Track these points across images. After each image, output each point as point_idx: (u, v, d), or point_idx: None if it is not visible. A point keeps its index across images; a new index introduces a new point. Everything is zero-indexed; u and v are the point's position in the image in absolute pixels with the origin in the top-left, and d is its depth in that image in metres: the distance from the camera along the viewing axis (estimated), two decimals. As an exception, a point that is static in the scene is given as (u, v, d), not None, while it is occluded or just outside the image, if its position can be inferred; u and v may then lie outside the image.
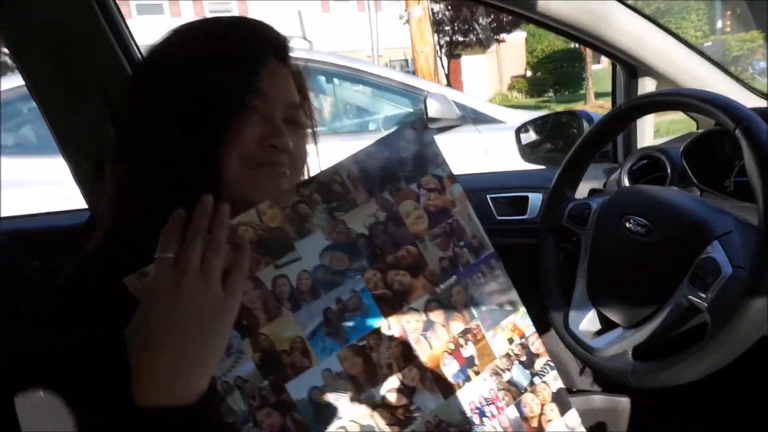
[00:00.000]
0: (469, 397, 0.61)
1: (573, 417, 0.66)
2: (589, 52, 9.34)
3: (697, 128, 0.95)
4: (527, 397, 0.64)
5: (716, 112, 0.60)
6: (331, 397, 0.56)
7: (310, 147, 0.66)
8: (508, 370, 0.63)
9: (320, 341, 0.55)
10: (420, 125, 0.60)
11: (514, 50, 12.57)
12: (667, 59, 0.89)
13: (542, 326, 0.85)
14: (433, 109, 1.81)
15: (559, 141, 1.05)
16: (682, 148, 0.80)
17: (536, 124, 1.09)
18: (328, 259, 0.56)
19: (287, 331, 0.54)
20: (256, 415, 0.53)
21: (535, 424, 0.64)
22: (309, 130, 0.66)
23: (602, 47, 0.88)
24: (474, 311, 0.62)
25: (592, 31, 0.85)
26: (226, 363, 0.52)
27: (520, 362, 0.64)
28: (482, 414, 0.62)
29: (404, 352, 0.58)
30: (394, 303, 0.58)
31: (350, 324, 0.56)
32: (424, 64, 6.50)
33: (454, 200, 0.61)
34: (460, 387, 0.61)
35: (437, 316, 0.60)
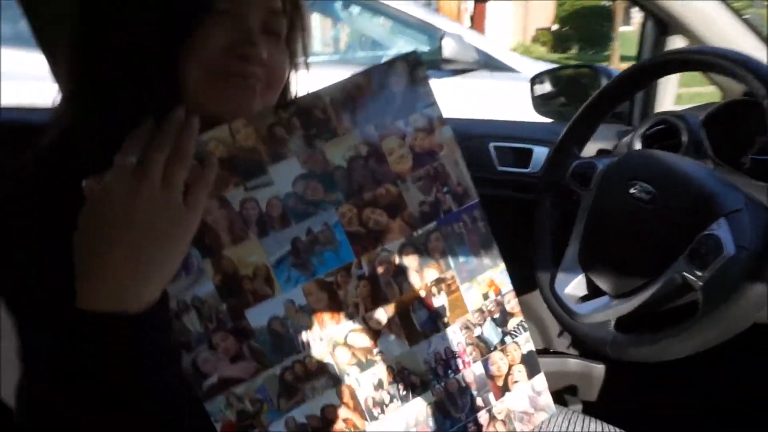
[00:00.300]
0: (435, 347, 0.59)
1: (540, 381, 0.64)
2: (619, 12, 8.76)
3: (723, 99, 0.86)
4: (496, 356, 0.62)
5: (748, 76, 0.56)
6: (291, 330, 0.54)
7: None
8: (480, 325, 0.61)
9: (285, 271, 0.53)
10: (413, 59, 0.56)
11: (542, 1, 11.84)
12: (704, 18, 0.80)
13: (527, 285, 0.83)
14: (449, 49, 1.72)
15: (574, 95, 0.98)
16: (702, 117, 0.75)
17: (553, 75, 1.03)
18: (301, 188, 0.53)
19: (251, 257, 0.52)
20: (212, 337, 0.52)
21: (500, 383, 0.62)
22: (301, 58, 0.62)
23: None
24: (451, 261, 0.59)
25: None
26: (184, 281, 0.50)
27: (493, 319, 0.62)
28: (447, 367, 0.60)
29: (373, 294, 0.56)
30: (367, 242, 0.56)
31: (319, 258, 0.54)
32: (446, 4, 6.16)
33: (442, 143, 0.58)
34: (427, 336, 0.59)
35: (411, 261, 0.58)
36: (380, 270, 0.56)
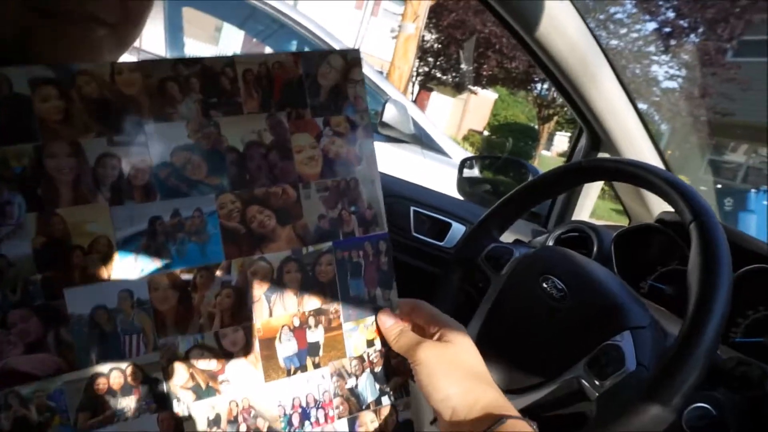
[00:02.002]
0: (296, 390, 0.50)
1: (410, 458, 0.55)
2: (543, 136, 9.75)
3: (629, 224, 0.92)
4: (367, 416, 0.53)
5: (678, 199, 0.56)
6: (119, 327, 0.43)
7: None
8: (356, 376, 0.52)
9: (132, 253, 0.43)
10: (352, 58, 0.50)
11: (481, 106, 12.77)
12: (633, 144, 0.86)
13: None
14: (390, 115, 1.75)
15: (500, 185, 1.01)
16: (614, 234, 0.80)
17: (483, 161, 1.06)
18: (181, 160, 0.44)
19: (93, 225, 0.42)
20: (8, 313, 0.40)
21: (364, 450, 0.53)
22: None
23: (578, 102, 0.84)
24: (339, 292, 0.51)
25: (577, 81, 0.81)
26: (-9, 231, 0.39)
27: (373, 372, 0.53)
28: (305, 417, 0.50)
29: (235, 308, 0.47)
30: (245, 244, 0.47)
31: (180, 248, 0.45)
32: (397, 81, 6.48)
33: (361, 156, 0.51)
34: (289, 374, 0.49)
35: (292, 280, 0.49)
36: (252, 281, 0.47)
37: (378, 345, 0.53)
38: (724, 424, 0.48)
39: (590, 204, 0.97)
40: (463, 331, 0.52)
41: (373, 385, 0.53)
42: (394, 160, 1.78)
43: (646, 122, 0.86)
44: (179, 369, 0.45)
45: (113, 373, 0.43)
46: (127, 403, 0.44)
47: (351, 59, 0.50)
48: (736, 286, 0.56)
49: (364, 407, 0.52)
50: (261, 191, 0.47)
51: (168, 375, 0.45)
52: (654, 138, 0.87)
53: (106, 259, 0.42)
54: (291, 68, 0.48)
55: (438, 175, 1.78)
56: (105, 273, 0.42)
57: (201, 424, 0.46)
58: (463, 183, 1.06)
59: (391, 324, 0.52)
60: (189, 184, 0.45)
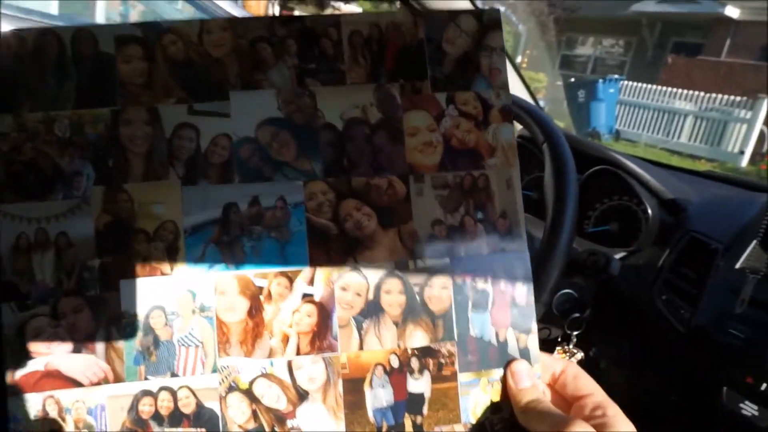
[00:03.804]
0: (388, 458, 0.36)
1: None
2: None
3: None
4: None
5: (531, 122, 0.60)
6: (175, 336, 0.35)
7: None
8: (472, 452, 0.37)
9: (200, 245, 0.35)
10: (490, 19, 0.38)
11: None
12: None
13: None
14: None
15: None
16: None
17: None
18: (267, 137, 0.36)
19: (160, 207, 0.35)
20: (60, 301, 0.34)
21: None
22: None
23: None
24: (455, 328, 0.37)
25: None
26: (55, 204, 0.34)
27: (498, 452, 0.37)
28: (397, 499, 0.36)
29: (316, 331, 0.36)
30: (335, 248, 0.36)
31: (255, 245, 0.36)
32: (254, 4, 5.88)
33: (495, 146, 0.38)
34: (379, 433, 0.36)
35: (393, 304, 0.36)
36: (340, 299, 0.36)
37: (506, 412, 0.37)
38: (583, 304, 0.57)
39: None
40: (626, 420, 0.34)
41: (496, 471, 0.37)
42: None
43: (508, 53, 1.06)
44: (240, 402, 0.35)
45: (162, 394, 0.34)
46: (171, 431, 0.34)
47: (488, 21, 0.38)
48: (584, 186, 0.72)
49: None
50: (361, 182, 0.36)
51: (226, 407, 0.35)
52: (512, 60, 0.95)
53: (171, 249, 0.35)
54: (409, 31, 0.38)
55: None
56: (168, 266, 0.35)
57: None
58: None
59: (528, 386, 0.36)
60: (274, 166, 0.36)
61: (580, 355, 0.67)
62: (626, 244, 0.78)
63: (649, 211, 0.75)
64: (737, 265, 0.59)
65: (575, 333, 0.64)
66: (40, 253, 0.34)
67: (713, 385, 0.58)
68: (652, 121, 7.21)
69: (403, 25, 0.38)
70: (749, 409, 0.53)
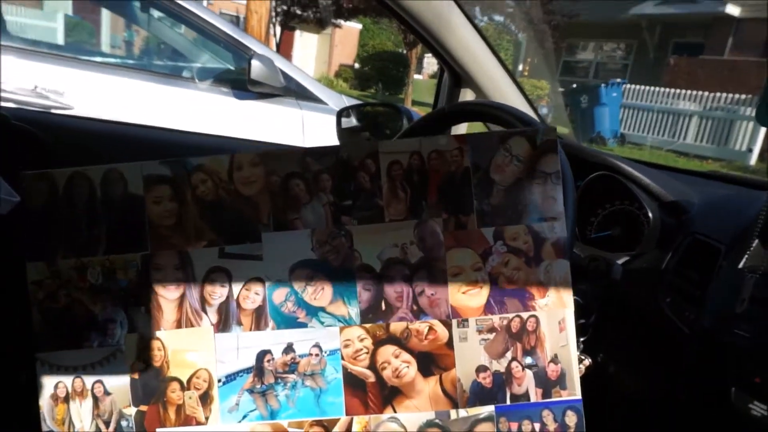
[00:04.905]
0: None
1: None
2: (413, 60, 9.60)
3: None
4: None
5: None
6: (212, 485, 0.34)
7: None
8: None
9: (234, 394, 0.34)
10: (545, 141, 0.34)
11: (347, 39, 12.72)
12: (490, 77, 0.93)
13: None
14: (257, 71, 1.60)
15: (378, 131, 1.05)
16: None
17: (359, 110, 1.09)
18: (302, 281, 0.34)
19: (194, 354, 0.34)
20: (99, 448, 0.34)
21: None
22: None
23: (437, 48, 0.89)
24: (500, 482, 0.35)
25: (433, 30, 0.86)
26: (89, 352, 0.34)
27: None
28: None
29: (353, 483, 0.34)
30: (373, 397, 0.34)
31: (290, 393, 0.34)
32: (256, 26, 5.67)
33: (547, 285, 0.35)
34: None
35: (433, 455, 0.34)
36: (378, 449, 0.34)
37: None
38: (588, 309, 0.56)
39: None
40: None
41: None
42: (271, 117, 1.66)
43: (501, 58, 0.94)
44: None
45: None
46: None
47: (543, 144, 0.35)
48: (585, 192, 0.72)
49: None
50: (399, 327, 0.34)
51: None
52: (509, 69, 0.94)
53: (205, 398, 0.34)
54: (454, 158, 0.34)
55: (316, 123, 1.67)
56: (201, 415, 0.34)
57: None
58: (343, 133, 1.06)
59: None
60: (308, 311, 0.34)
61: (588, 361, 0.66)
62: (630, 248, 0.76)
63: (650, 215, 0.72)
64: (740, 265, 0.56)
65: (582, 339, 0.63)
66: (78, 402, 0.34)
67: (722, 385, 0.55)
68: (656, 124, 7.09)
69: (447, 153, 0.34)
70: (759, 409, 0.51)
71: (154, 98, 1.55)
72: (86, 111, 1.31)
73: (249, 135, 1.04)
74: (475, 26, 0.91)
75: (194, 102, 1.60)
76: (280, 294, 0.34)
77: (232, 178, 0.34)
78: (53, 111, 1.34)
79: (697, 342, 0.58)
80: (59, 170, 0.34)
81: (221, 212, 0.34)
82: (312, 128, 1.66)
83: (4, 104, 0.64)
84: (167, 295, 0.34)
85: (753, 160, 6.09)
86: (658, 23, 9.39)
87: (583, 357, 0.63)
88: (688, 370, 0.62)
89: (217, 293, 0.34)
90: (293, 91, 1.70)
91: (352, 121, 1.11)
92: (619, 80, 6.90)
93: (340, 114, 1.09)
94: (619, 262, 0.68)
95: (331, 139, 1.09)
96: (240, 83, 1.67)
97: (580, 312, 0.62)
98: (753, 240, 0.57)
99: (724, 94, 6.49)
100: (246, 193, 0.34)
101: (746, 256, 0.57)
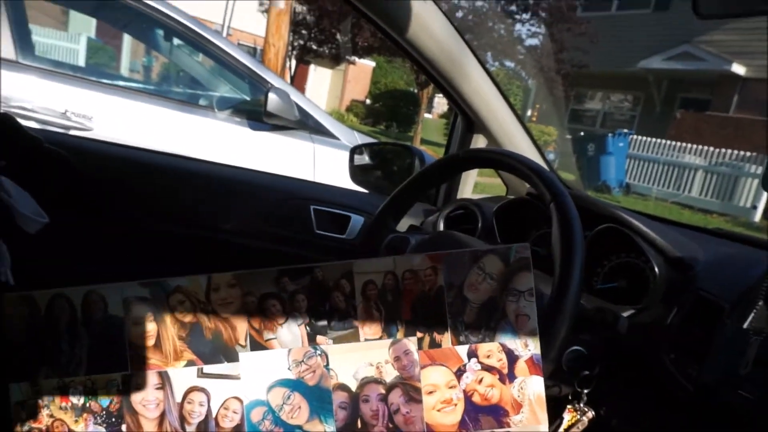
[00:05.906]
0: None
1: None
2: (424, 100, 9.82)
3: (506, 193, 1.07)
4: None
5: (539, 183, 0.62)
6: None
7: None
8: None
9: None
10: (519, 259, 0.35)
11: (360, 76, 13.31)
12: (501, 123, 0.95)
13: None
14: (273, 104, 1.65)
15: (390, 170, 1.11)
16: (495, 207, 0.87)
17: (372, 148, 1.13)
18: (279, 400, 0.35)
19: (173, 473, 0.35)
20: None
21: None
22: None
23: (451, 93, 0.91)
24: None
25: (448, 75, 0.88)
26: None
27: None
28: None
29: None
30: None
31: None
32: (273, 59, 5.75)
33: (522, 401, 0.35)
34: None
35: None
36: None
37: None
38: (593, 361, 0.57)
39: (472, 181, 1.08)
40: None
41: None
42: (283, 149, 1.72)
43: (512, 105, 0.96)
44: None
45: None
46: None
47: (515, 262, 0.35)
48: (592, 243, 0.72)
49: None
50: None
51: None
52: (520, 116, 0.97)
53: None
54: (428, 278, 0.35)
55: (328, 157, 1.73)
56: None
57: None
58: (356, 171, 1.11)
59: None
60: (285, 429, 0.35)
61: (590, 413, 0.66)
62: (635, 301, 0.76)
63: (656, 270, 0.72)
64: (745, 325, 0.56)
65: (585, 391, 0.63)
66: None
67: None
68: (662, 175, 7.12)
69: (421, 272, 0.35)
70: None
71: (172, 124, 1.58)
72: (105, 134, 1.34)
73: (261, 166, 1.04)
74: (488, 72, 0.93)
75: (210, 130, 1.63)
76: (257, 413, 0.35)
77: (209, 299, 0.35)
78: (71, 132, 1.37)
79: (700, 400, 0.59)
80: (40, 291, 0.35)
81: (199, 333, 0.35)
82: (323, 161, 1.69)
83: (26, 122, 0.65)
84: (147, 414, 0.35)
85: (757, 216, 6.15)
86: (665, 77, 9.71)
87: (586, 409, 0.64)
88: (691, 428, 0.63)
89: (196, 412, 0.35)
90: (306, 125, 1.73)
91: (364, 159, 1.15)
92: (626, 131, 7.08)
93: (353, 151, 1.12)
94: (625, 314, 0.68)
95: (342, 173, 1.11)
96: (255, 114, 1.70)
97: (584, 363, 0.62)
98: (758, 301, 0.57)
99: (729, 150, 6.55)
100: (223, 313, 0.35)
101: (751, 317, 0.57)
